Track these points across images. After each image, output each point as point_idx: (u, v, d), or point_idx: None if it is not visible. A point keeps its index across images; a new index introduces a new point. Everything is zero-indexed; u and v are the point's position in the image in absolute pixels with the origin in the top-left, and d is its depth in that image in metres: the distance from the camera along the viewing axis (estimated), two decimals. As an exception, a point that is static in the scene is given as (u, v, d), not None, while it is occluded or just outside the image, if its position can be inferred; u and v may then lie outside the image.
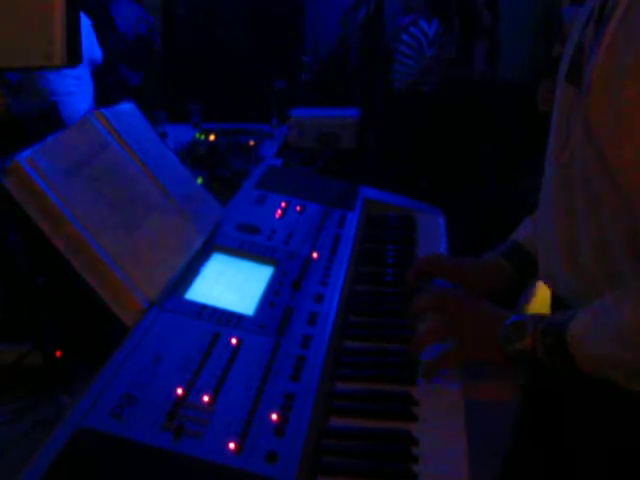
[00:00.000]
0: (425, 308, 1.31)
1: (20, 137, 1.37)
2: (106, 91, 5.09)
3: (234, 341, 1.19)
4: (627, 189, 1.00)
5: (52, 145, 1.27)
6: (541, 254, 1.27)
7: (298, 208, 1.77)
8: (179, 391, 1.03)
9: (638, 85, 0.94)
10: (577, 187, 1.09)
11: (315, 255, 1.56)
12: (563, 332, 1.05)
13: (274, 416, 1.03)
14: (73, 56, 2.32)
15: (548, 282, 1.25)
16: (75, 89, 4.74)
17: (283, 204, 1.77)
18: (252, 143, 3.47)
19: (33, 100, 4.52)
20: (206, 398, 1.04)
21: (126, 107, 1.58)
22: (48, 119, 3.78)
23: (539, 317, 1.13)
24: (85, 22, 4.82)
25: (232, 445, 0.96)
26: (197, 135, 3.64)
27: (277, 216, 1.72)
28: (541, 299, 2.67)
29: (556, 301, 1.23)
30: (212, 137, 3.56)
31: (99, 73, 5.12)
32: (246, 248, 1.54)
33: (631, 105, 0.95)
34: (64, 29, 2.29)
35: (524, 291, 2.82)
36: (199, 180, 2.47)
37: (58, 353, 1.41)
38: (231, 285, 1.41)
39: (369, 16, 5.11)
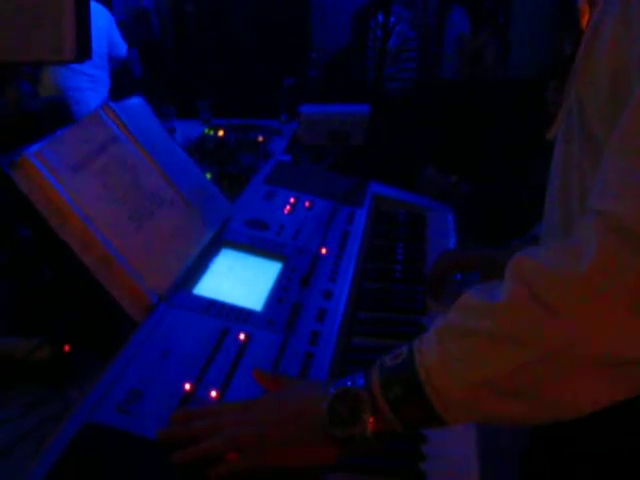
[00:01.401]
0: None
1: (29, 132, 1.37)
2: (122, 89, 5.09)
3: (242, 337, 1.18)
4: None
5: (61, 139, 1.27)
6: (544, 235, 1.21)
7: (307, 204, 1.77)
8: (187, 386, 1.03)
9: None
10: (574, 163, 1.04)
11: (324, 251, 1.55)
12: (411, 372, 0.86)
13: (282, 413, 1.02)
14: (83, 51, 2.33)
15: None
16: (89, 85, 4.74)
17: (292, 200, 1.77)
18: (261, 139, 3.46)
19: (46, 95, 4.52)
20: (214, 393, 1.03)
21: (135, 102, 1.57)
22: (58, 114, 3.79)
23: (369, 371, 0.91)
24: (108, 18, 4.82)
25: (240, 441, 0.95)
26: (206, 130, 3.64)
27: (286, 212, 1.71)
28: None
29: None
30: (221, 133, 3.55)
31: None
32: (255, 244, 1.53)
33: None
34: (74, 24, 2.30)
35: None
36: (208, 176, 2.47)
37: (67, 348, 1.41)
38: (240, 280, 1.41)
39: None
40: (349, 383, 0.90)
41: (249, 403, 0.98)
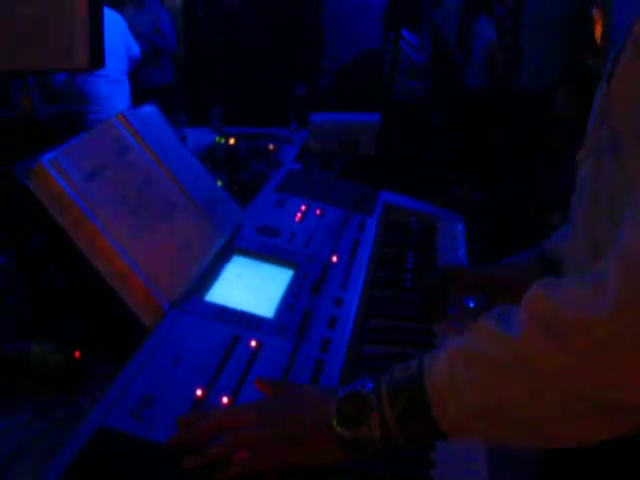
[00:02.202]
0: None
1: (43, 140, 1.38)
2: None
3: (254, 343, 1.19)
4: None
5: (75, 147, 1.28)
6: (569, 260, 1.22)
7: (318, 212, 1.78)
8: (198, 392, 1.04)
9: None
10: (604, 191, 1.04)
11: (335, 259, 1.56)
12: (419, 388, 0.87)
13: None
14: (96, 59, 2.35)
15: None
16: (113, 92, 4.77)
17: (303, 207, 1.77)
18: (272, 147, 3.47)
19: (73, 104, 4.55)
20: (225, 400, 1.04)
21: (148, 110, 1.58)
22: (71, 122, 3.81)
23: (378, 379, 0.91)
24: (122, 21, 4.85)
25: (251, 447, 0.96)
26: (217, 138, 3.66)
27: (297, 219, 1.72)
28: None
29: None
30: (232, 141, 3.57)
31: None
32: (266, 251, 1.54)
33: None
34: (87, 33, 2.32)
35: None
36: (218, 183, 2.48)
37: (77, 354, 1.42)
38: (251, 287, 1.41)
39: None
40: (358, 386, 0.91)
41: (256, 403, 0.99)
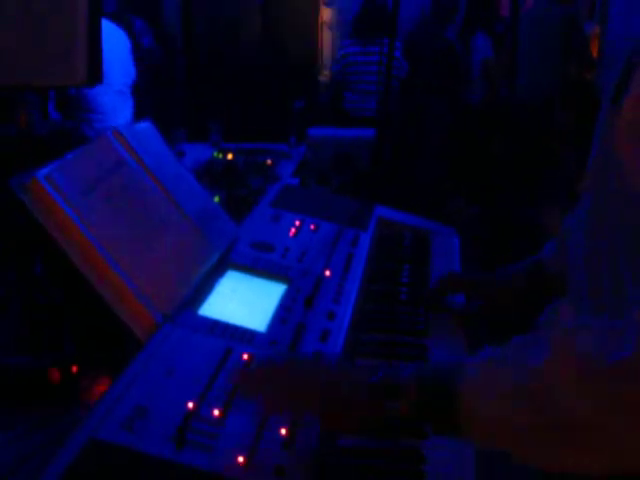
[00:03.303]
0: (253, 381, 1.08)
1: (40, 155, 1.40)
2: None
3: (246, 357, 1.20)
4: None
5: (70, 162, 1.30)
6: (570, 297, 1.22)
7: (312, 227, 1.79)
8: (190, 405, 1.05)
9: None
10: (605, 224, 1.07)
11: (328, 273, 1.57)
12: (450, 390, 0.90)
13: (283, 431, 1.04)
14: (94, 75, 2.36)
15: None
16: (119, 104, 4.80)
17: (297, 222, 1.79)
18: (269, 162, 3.49)
19: (78, 116, 4.57)
20: (217, 412, 1.05)
21: (144, 126, 1.60)
22: (68, 138, 3.83)
23: (414, 368, 0.98)
24: (125, 40, 4.88)
25: (241, 459, 0.97)
26: (215, 154, 3.68)
27: (291, 234, 1.74)
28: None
29: None
30: (230, 156, 3.59)
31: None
32: (260, 266, 1.55)
33: None
34: (85, 48, 2.34)
35: (545, 309, 2.80)
36: (216, 198, 2.50)
37: (74, 368, 1.42)
38: (244, 302, 1.43)
39: None
40: (397, 371, 0.97)
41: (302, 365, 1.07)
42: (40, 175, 1.20)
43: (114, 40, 4.67)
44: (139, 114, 4.89)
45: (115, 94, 4.74)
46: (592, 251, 1.09)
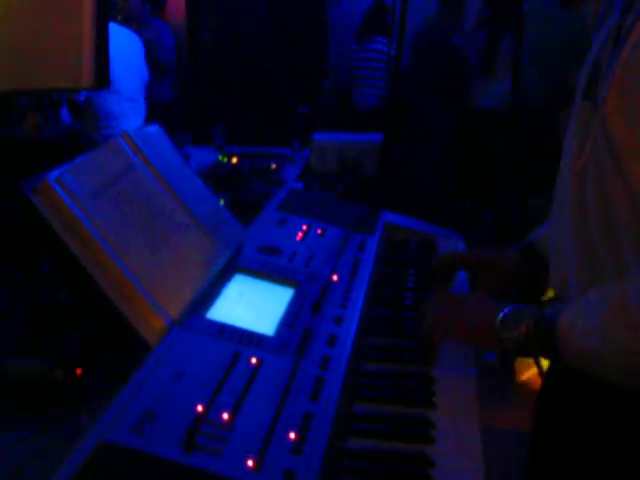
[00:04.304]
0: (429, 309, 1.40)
1: (49, 158, 1.40)
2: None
3: (254, 360, 1.20)
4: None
5: (80, 165, 1.30)
6: (553, 263, 1.31)
7: (319, 231, 1.79)
8: (199, 408, 1.05)
9: None
10: (590, 194, 1.13)
11: (335, 278, 1.58)
12: (553, 326, 1.12)
13: (292, 435, 1.04)
14: (101, 79, 2.37)
15: (559, 289, 1.30)
16: (129, 111, 4.80)
17: (304, 227, 1.79)
18: (274, 166, 3.49)
19: (92, 123, 4.58)
20: (226, 416, 1.05)
21: (153, 129, 1.61)
22: (76, 141, 3.83)
23: (536, 309, 1.19)
24: (138, 44, 4.88)
25: (250, 462, 0.97)
26: (220, 157, 3.68)
27: (298, 239, 1.74)
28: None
29: None
30: (234, 160, 3.60)
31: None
32: (267, 269, 1.55)
33: None
34: (93, 52, 2.35)
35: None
36: (221, 202, 2.50)
37: (79, 371, 1.43)
38: (252, 305, 1.43)
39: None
40: (522, 307, 1.22)
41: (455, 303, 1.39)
42: (51, 178, 1.21)
43: (129, 46, 4.67)
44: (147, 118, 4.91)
45: (127, 102, 4.74)
46: (580, 226, 1.17)
